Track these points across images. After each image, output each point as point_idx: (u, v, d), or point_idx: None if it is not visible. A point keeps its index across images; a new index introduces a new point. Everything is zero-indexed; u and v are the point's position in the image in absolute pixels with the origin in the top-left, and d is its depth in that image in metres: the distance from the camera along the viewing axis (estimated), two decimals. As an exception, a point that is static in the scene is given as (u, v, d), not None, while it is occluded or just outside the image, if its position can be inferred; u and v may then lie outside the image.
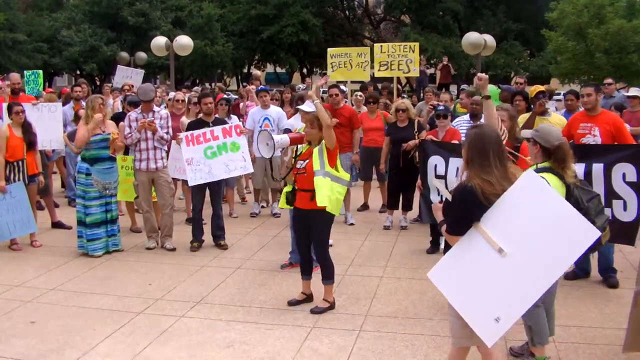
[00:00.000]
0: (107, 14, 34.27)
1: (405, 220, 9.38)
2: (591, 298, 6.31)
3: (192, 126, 8.36)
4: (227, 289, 6.71)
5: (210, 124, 8.28)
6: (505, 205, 3.80)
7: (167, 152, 8.57)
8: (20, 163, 8.16)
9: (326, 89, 11.35)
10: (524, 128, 6.72)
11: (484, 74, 5.56)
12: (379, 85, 15.94)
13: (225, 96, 11.36)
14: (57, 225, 9.33)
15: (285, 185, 6.40)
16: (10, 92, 10.20)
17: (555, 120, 7.81)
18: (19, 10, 34.85)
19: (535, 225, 3.73)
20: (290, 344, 5.32)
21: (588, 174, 6.08)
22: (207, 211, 8.48)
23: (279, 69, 45.68)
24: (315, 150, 5.96)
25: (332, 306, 6.10)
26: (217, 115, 8.71)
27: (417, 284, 6.85)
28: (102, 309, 6.10)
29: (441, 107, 8.60)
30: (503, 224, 3.80)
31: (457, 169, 7.31)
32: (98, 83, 34.95)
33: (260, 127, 9.59)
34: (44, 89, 14.12)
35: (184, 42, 20.23)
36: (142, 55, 31.58)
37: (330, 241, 8.21)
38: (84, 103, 10.00)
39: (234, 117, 9.73)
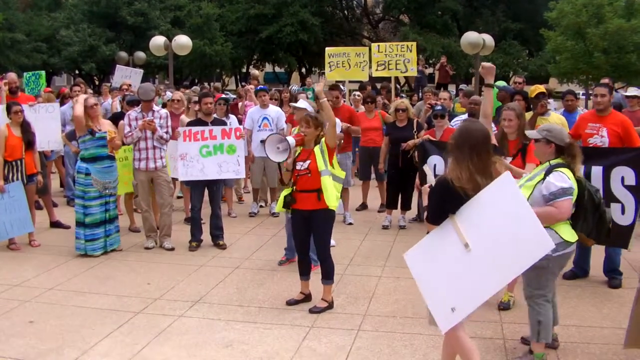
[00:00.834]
0: (106, 14, 34.24)
1: (404, 220, 9.38)
2: (590, 297, 6.31)
3: (191, 125, 8.37)
4: (225, 289, 6.71)
5: (209, 124, 8.29)
6: (479, 203, 4.00)
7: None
8: (18, 162, 8.16)
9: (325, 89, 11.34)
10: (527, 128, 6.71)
11: (488, 63, 5.63)
12: (378, 85, 15.94)
13: (223, 96, 11.37)
14: (55, 224, 9.33)
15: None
16: (9, 92, 10.18)
17: (554, 120, 7.82)
18: (17, 10, 34.80)
19: (501, 226, 3.93)
20: (288, 343, 5.32)
21: (587, 176, 6.08)
22: (205, 211, 8.48)
23: (277, 69, 45.67)
24: (317, 149, 5.93)
25: (330, 306, 6.09)
26: (215, 115, 8.71)
27: (415, 284, 6.83)
28: (100, 309, 6.10)
29: (438, 107, 8.60)
30: (474, 220, 4.00)
31: None
32: (97, 83, 34.91)
33: (259, 126, 9.60)
34: (44, 90, 14.09)
35: (183, 42, 20.20)
36: (140, 54, 31.55)
37: (333, 242, 8.29)
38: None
39: (233, 117, 9.74)
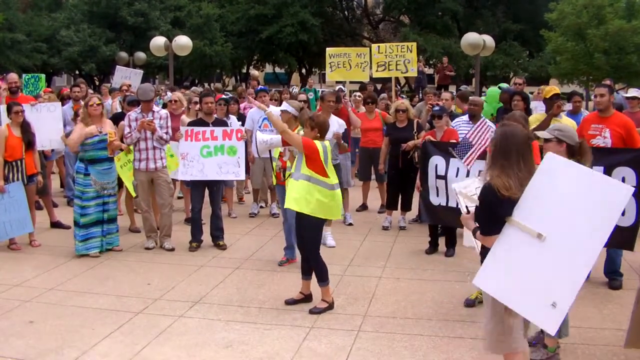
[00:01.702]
0: (106, 14, 34.21)
1: (404, 221, 9.38)
2: (590, 299, 6.30)
3: (192, 125, 8.37)
4: (225, 289, 6.71)
5: (211, 124, 8.29)
6: (532, 192, 3.81)
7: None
8: (19, 163, 8.16)
9: (324, 90, 11.34)
10: (539, 129, 6.72)
11: None
12: (379, 86, 15.93)
13: (223, 96, 11.36)
14: (55, 225, 9.32)
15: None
16: (9, 92, 10.19)
17: (565, 122, 7.83)
18: (18, 10, 34.76)
19: (566, 200, 3.73)
20: (289, 344, 5.32)
21: None
22: (205, 211, 8.47)
23: (277, 69, 45.60)
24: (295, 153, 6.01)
25: (330, 306, 6.09)
26: (216, 116, 8.71)
27: (416, 284, 6.86)
28: (101, 309, 6.10)
29: (437, 108, 8.59)
30: (534, 210, 3.79)
31: (458, 169, 7.31)
32: (97, 83, 34.89)
33: (260, 127, 9.59)
34: (44, 90, 14.08)
35: (183, 42, 20.24)
36: (141, 55, 31.57)
37: (333, 242, 8.31)
38: (82, 103, 10.01)
39: (233, 118, 9.73)
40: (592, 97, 7.36)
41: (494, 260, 3.91)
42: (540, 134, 4.93)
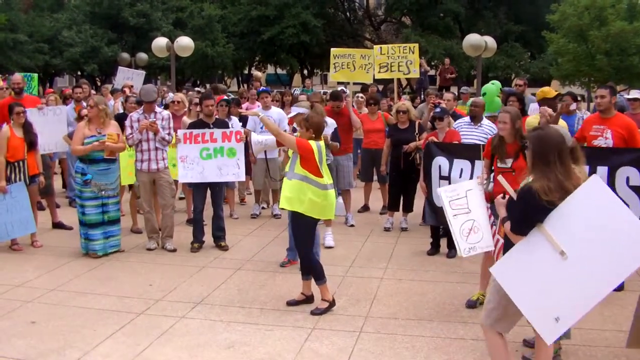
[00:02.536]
0: (108, 15, 34.28)
1: (405, 222, 9.38)
2: (591, 300, 6.29)
3: (192, 127, 8.38)
4: (227, 290, 6.71)
5: (211, 126, 8.30)
6: (569, 209, 3.87)
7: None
8: (21, 163, 8.16)
9: (327, 91, 11.33)
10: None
11: None
12: (381, 87, 15.90)
13: (225, 97, 11.37)
14: (58, 225, 9.33)
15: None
16: (14, 93, 10.22)
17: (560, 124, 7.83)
18: (20, 11, 34.86)
19: (597, 230, 3.81)
20: (290, 345, 5.33)
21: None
22: (207, 212, 8.48)
23: (279, 70, 45.66)
24: (290, 152, 6.04)
25: (332, 304, 6.09)
26: (217, 117, 8.72)
27: (417, 286, 6.86)
28: (102, 310, 6.10)
29: (438, 110, 8.54)
30: (566, 227, 3.87)
31: (461, 170, 7.29)
32: (99, 84, 34.92)
33: (262, 128, 9.59)
34: (44, 92, 14.14)
35: (185, 43, 20.23)
36: (143, 56, 31.60)
37: (332, 243, 8.30)
38: (85, 104, 10.03)
39: (234, 119, 9.73)
40: (594, 99, 7.36)
41: (514, 257, 4.04)
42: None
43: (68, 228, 9.13)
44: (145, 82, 14.68)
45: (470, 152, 7.25)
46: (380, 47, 13.69)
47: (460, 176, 7.25)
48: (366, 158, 10.48)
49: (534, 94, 11.91)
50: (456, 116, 9.32)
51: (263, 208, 10.60)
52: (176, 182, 9.22)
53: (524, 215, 4.00)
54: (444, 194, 5.92)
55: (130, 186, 8.85)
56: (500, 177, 4.82)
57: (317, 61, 40.65)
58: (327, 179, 6.11)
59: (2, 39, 29.66)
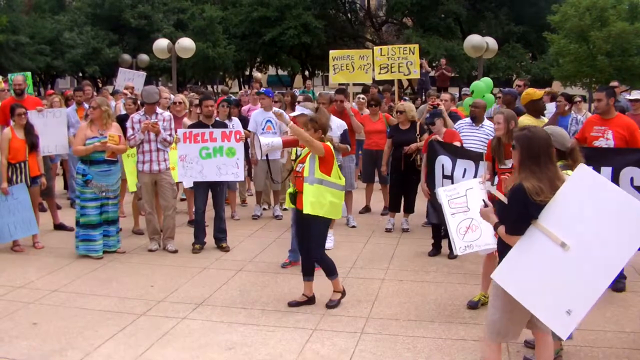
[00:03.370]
0: (110, 16, 34.27)
1: (407, 223, 9.38)
2: (593, 301, 6.29)
3: (192, 127, 8.39)
4: (228, 291, 6.72)
5: (211, 127, 8.30)
6: (562, 200, 3.88)
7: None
8: (22, 165, 8.17)
9: (326, 92, 11.33)
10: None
11: None
12: (381, 88, 15.91)
13: (226, 98, 11.38)
14: (59, 227, 9.35)
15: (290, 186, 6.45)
16: (15, 94, 10.24)
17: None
18: (21, 13, 34.87)
19: (595, 216, 3.80)
20: (292, 346, 5.33)
21: None
22: (208, 213, 8.48)
23: (280, 72, 45.64)
24: (309, 156, 6.06)
25: (343, 294, 6.30)
26: (217, 118, 8.72)
27: (418, 287, 6.86)
28: (104, 311, 6.11)
29: (427, 116, 8.54)
30: (562, 218, 3.86)
31: (465, 170, 7.28)
32: (100, 85, 34.98)
33: (263, 129, 9.61)
34: (45, 93, 14.14)
35: (186, 45, 20.24)
36: (144, 57, 31.59)
37: (332, 244, 8.30)
38: (86, 105, 10.05)
39: (235, 120, 9.73)
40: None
41: (515, 259, 4.00)
42: None
43: (69, 229, 9.14)
44: (146, 84, 14.68)
45: (473, 154, 7.25)
46: (381, 49, 13.74)
47: (464, 176, 7.22)
48: (367, 159, 10.48)
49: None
50: (453, 116, 9.31)
51: (264, 209, 10.60)
52: (178, 183, 9.24)
53: (518, 214, 3.99)
54: (443, 194, 5.93)
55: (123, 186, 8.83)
56: (487, 184, 4.86)
57: (319, 62, 40.57)
58: (343, 179, 6.30)
59: (4, 40, 29.64)
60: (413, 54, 13.20)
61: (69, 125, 10.20)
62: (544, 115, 8.24)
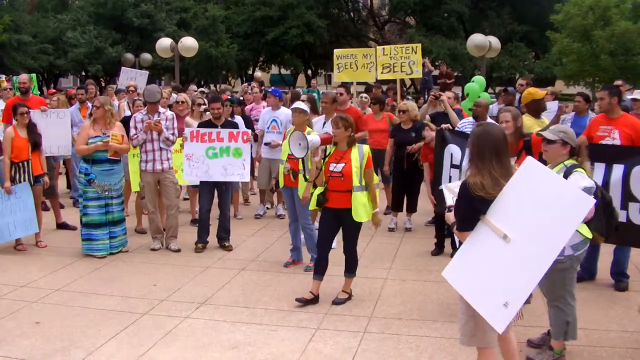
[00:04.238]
0: (112, 16, 34.30)
1: (409, 222, 9.37)
2: (596, 300, 6.29)
3: (201, 127, 8.40)
4: (231, 290, 6.72)
5: (219, 127, 8.30)
6: (508, 194, 3.89)
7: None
8: (25, 164, 8.18)
9: (330, 91, 11.31)
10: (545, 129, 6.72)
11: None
12: (384, 87, 15.90)
13: (229, 97, 11.38)
14: (62, 226, 9.35)
15: (315, 186, 6.33)
16: (20, 93, 10.25)
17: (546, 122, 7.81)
18: (24, 12, 34.93)
19: (535, 205, 3.79)
20: (294, 345, 5.33)
21: (607, 174, 6.05)
22: (212, 213, 8.47)
23: (283, 71, 45.68)
24: (355, 160, 6.16)
25: (350, 297, 6.37)
26: (226, 118, 8.73)
27: (421, 286, 6.85)
28: (106, 310, 6.11)
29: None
30: (506, 211, 3.87)
31: None
32: (103, 84, 34.99)
33: (268, 128, 9.60)
34: (47, 92, 14.16)
35: (189, 44, 20.29)
36: (147, 56, 31.65)
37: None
38: (90, 104, 10.05)
39: (238, 118, 9.73)
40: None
41: (462, 255, 4.04)
42: (544, 134, 4.93)
43: (72, 228, 9.15)
44: (148, 83, 14.69)
45: None
46: (383, 48, 13.72)
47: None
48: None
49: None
50: (457, 113, 9.34)
51: (267, 208, 10.59)
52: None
53: (465, 210, 4.00)
54: (446, 191, 5.90)
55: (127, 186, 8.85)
56: (445, 182, 4.88)
57: (321, 61, 40.62)
58: (376, 178, 6.56)
59: (7, 39, 29.68)
60: (415, 53, 13.17)
61: (72, 124, 10.22)
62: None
